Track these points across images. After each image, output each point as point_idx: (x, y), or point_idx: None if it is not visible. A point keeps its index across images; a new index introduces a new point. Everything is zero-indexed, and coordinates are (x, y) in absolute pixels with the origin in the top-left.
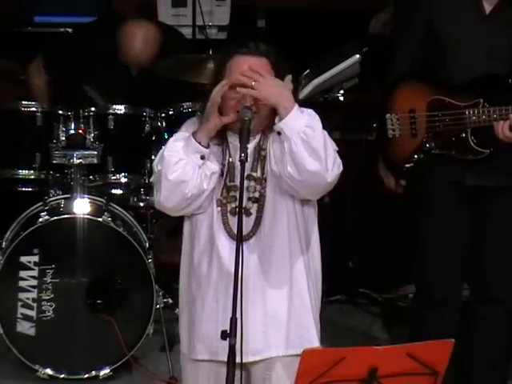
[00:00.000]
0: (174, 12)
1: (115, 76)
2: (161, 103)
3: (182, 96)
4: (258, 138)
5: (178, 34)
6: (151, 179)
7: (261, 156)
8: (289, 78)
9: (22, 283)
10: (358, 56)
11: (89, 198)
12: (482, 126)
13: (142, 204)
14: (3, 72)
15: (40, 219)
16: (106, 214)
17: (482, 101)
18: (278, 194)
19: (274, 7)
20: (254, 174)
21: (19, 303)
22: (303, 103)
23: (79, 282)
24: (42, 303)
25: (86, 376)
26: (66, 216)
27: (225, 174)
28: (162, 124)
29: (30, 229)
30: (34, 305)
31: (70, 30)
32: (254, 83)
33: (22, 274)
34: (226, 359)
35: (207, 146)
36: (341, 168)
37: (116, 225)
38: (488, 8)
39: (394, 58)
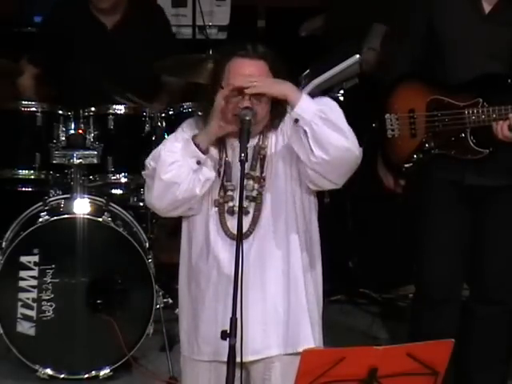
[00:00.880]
0: (173, 12)
1: (91, 34)
2: (135, 64)
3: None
4: (256, 138)
5: (160, 10)
6: (142, 173)
7: (260, 155)
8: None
9: (21, 283)
10: (357, 56)
11: (89, 198)
12: (482, 126)
13: (141, 204)
14: (3, 72)
15: (40, 219)
16: (106, 214)
17: (481, 100)
18: (277, 193)
19: (274, 7)
20: (253, 173)
21: (19, 303)
22: None
23: (79, 281)
24: (42, 303)
25: (86, 376)
26: (65, 216)
27: (222, 173)
28: (161, 124)
29: (30, 229)
30: (34, 305)
31: None
32: (255, 83)
33: (22, 273)
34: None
35: (205, 152)
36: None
37: (116, 225)
38: (487, 8)
39: (394, 57)
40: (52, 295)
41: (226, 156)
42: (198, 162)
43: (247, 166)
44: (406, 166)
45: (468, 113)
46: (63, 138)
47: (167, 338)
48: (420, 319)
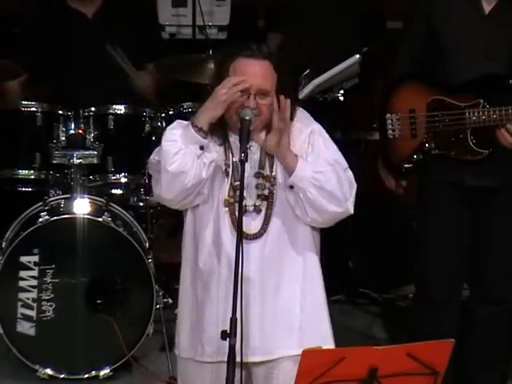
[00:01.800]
0: (174, 12)
1: (73, 25)
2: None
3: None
4: (263, 135)
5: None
6: (148, 169)
7: (269, 155)
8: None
9: (22, 283)
10: (357, 56)
11: (89, 198)
12: (482, 127)
13: (141, 204)
14: (3, 72)
15: (40, 219)
16: (106, 214)
17: (482, 101)
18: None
19: (274, 7)
20: (263, 172)
21: (19, 303)
22: (303, 103)
23: (79, 281)
24: (42, 303)
25: (86, 376)
26: (65, 216)
27: (230, 173)
28: (162, 124)
29: (30, 229)
30: (34, 305)
31: None
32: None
33: (22, 273)
34: (238, 359)
35: (206, 135)
36: (355, 186)
37: (116, 225)
38: (487, 8)
39: (394, 58)
40: (52, 295)
41: (233, 156)
42: (201, 148)
43: (256, 164)
44: (406, 166)
45: (469, 113)
46: (63, 138)
47: (167, 338)
48: (420, 319)
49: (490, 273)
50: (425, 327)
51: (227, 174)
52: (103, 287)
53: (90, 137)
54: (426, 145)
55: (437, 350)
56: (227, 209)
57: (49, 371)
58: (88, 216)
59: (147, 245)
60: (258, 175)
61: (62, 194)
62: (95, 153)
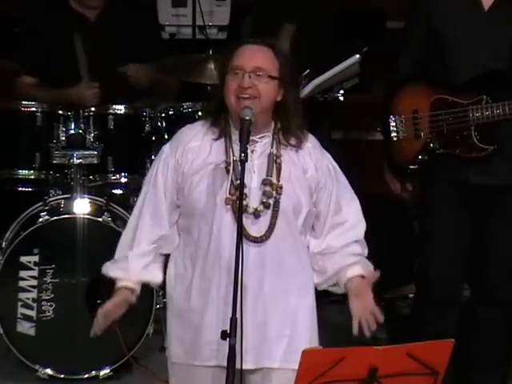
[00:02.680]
0: (173, 12)
1: (75, 28)
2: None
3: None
4: (269, 138)
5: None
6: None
7: (276, 164)
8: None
9: (21, 283)
10: (357, 56)
11: (89, 198)
12: (486, 123)
13: None
14: (3, 72)
15: (40, 219)
16: (106, 214)
17: (485, 97)
18: (293, 204)
19: None
20: (271, 179)
21: (19, 303)
22: (303, 103)
23: (79, 281)
24: (42, 303)
25: (86, 376)
26: (66, 216)
27: (231, 171)
28: (161, 124)
29: (30, 229)
30: (34, 305)
31: None
32: None
33: (22, 273)
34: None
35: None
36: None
37: (116, 225)
38: (486, 6)
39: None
40: (52, 295)
41: (233, 155)
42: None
43: (263, 171)
44: (412, 167)
45: (472, 110)
46: (63, 138)
47: None
48: (420, 319)
49: (493, 274)
50: (425, 327)
51: (228, 172)
52: (103, 287)
53: (90, 137)
54: (431, 145)
55: (437, 350)
56: (229, 206)
57: (49, 371)
58: (88, 216)
59: None
60: (265, 182)
61: (62, 194)
62: (95, 153)
